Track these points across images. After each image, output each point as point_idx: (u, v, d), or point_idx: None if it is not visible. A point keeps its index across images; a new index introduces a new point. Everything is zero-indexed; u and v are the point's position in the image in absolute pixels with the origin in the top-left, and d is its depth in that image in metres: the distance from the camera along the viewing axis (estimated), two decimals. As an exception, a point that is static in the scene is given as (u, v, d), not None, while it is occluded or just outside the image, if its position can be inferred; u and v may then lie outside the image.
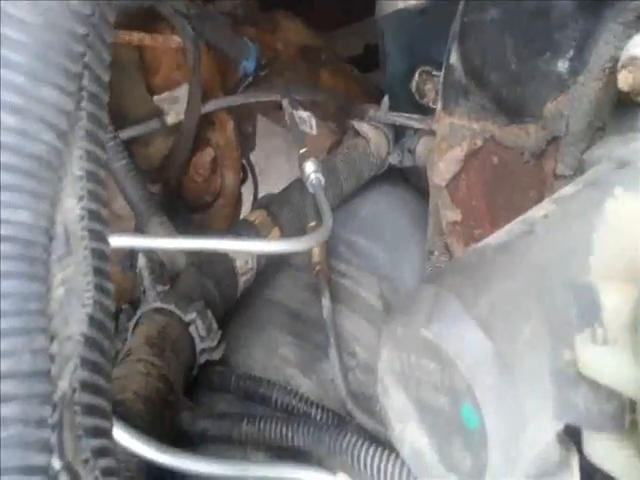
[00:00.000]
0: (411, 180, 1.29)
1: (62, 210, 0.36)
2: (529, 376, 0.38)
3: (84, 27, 0.37)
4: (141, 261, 0.82)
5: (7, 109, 0.34)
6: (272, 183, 1.47)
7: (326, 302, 0.89)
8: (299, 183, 1.03)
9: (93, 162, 0.38)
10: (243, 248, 0.85)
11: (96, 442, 0.34)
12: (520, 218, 0.46)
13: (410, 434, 0.41)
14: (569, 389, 0.39)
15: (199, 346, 0.78)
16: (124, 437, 0.59)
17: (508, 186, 0.76)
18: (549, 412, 0.39)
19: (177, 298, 0.79)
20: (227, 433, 0.69)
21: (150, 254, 0.84)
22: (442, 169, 0.84)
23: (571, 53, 0.65)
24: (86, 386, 0.34)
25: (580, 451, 0.42)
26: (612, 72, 0.61)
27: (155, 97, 1.08)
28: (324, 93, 1.38)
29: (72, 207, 0.36)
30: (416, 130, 1.19)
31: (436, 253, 0.92)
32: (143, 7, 1.02)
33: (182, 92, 1.07)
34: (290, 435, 0.68)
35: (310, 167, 0.98)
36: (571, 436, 0.42)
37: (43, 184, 0.35)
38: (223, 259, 0.89)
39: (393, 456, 0.64)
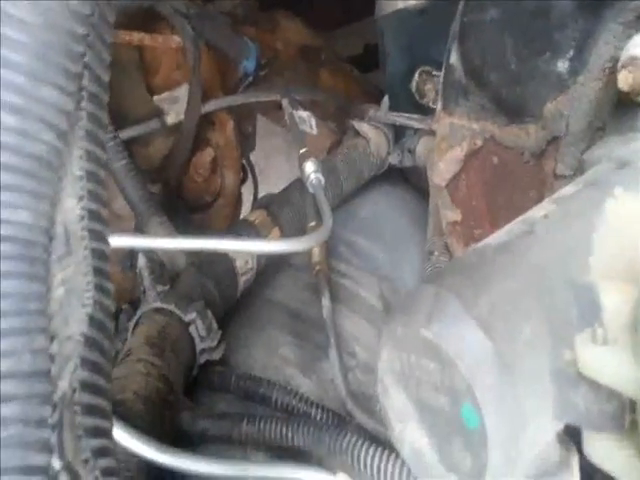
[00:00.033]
0: (411, 180, 1.29)
1: (62, 210, 0.36)
2: (529, 376, 0.38)
3: (84, 27, 0.37)
4: (141, 261, 0.82)
5: (7, 109, 0.34)
6: (272, 183, 1.47)
7: (326, 302, 0.89)
8: (299, 183, 1.03)
9: (93, 162, 0.38)
10: (243, 248, 0.85)
11: (96, 442, 0.34)
12: (520, 218, 0.46)
13: (410, 434, 0.41)
14: (569, 389, 0.39)
15: (199, 346, 0.78)
16: (124, 437, 0.59)
17: (508, 186, 0.76)
18: (549, 412, 0.39)
19: (177, 298, 0.79)
20: (227, 433, 0.69)
21: (150, 254, 0.84)
22: (442, 169, 0.83)
23: (571, 53, 0.65)
24: (86, 386, 0.34)
25: (580, 451, 0.42)
26: (612, 72, 0.61)
27: (155, 97, 1.08)
28: (324, 93, 1.38)
29: (72, 207, 0.36)
30: (416, 130, 1.19)
31: (436, 253, 0.92)
32: (143, 7, 1.02)
33: (182, 92, 1.07)
34: (290, 435, 0.68)
35: (310, 167, 0.98)
36: (571, 436, 0.42)
37: (43, 184, 0.35)
38: (223, 259, 0.89)
39: (393, 456, 0.64)
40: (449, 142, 0.81)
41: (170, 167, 1.10)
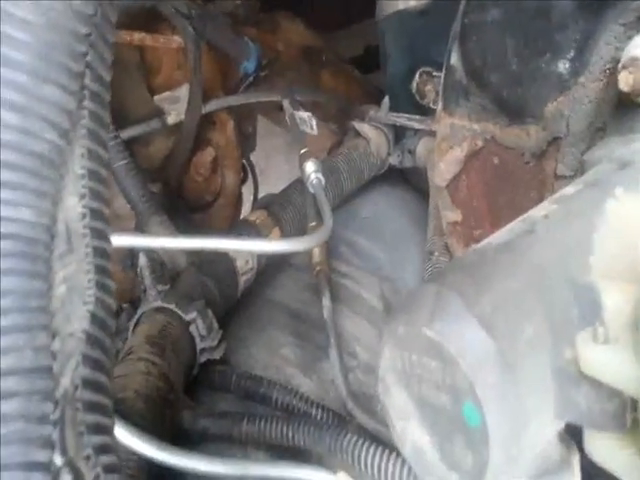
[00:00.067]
0: (411, 181, 1.29)
1: (64, 208, 0.36)
2: (530, 375, 0.38)
3: (86, 27, 0.37)
4: (142, 260, 0.82)
5: (9, 107, 0.34)
6: (272, 183, 1.48)
7: (327, 302, 0.89)
8: (299, 183, 1.03)
9: (95, 161, 0.38)
10: (244, 247, 0.85)
11: (98, 439, 0.34)
12: (521, 218, 0.46)
13: (411, 432, 0.41)
14: (570, 388, 0.39)
15: (200, 345, 0.78)
16: (125, 435, 0.59)
17: (509, 187, 0.76)
18: (550, 411, 0.39)
19: (178, 297, 0.79)
20: (227, 432, 0.70)
21: (151, 253, 0.84)
22: (442, 169, 0.84)
23: (572, 54, 0.65)
24: (88, 383, 0.34)
25: (581, 450, 0.42)
26: (613, 73, 0.61)
27: (156, 97, 1.08)
28: (325, 94, 1.38)
29: (73, 205, 0.36)
30: (416, 131, 1.20)
31: (436, 253, 0.92)
32: (144, 7, 1.02)
33: (183, 92, 1.08)
34: (291, 434, 0.68)
35: (311, 167, 0.98)
36: (572, 435, 0.42)
37: (45, 182, 0.35)
38: (223, 259, 0.89)
39: (394, 456, 0.64)
40: (450, 142, 0.81)
41: (171, 167, 1.10)
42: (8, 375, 0.32)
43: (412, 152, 1.20)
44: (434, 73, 1.15)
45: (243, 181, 1.35)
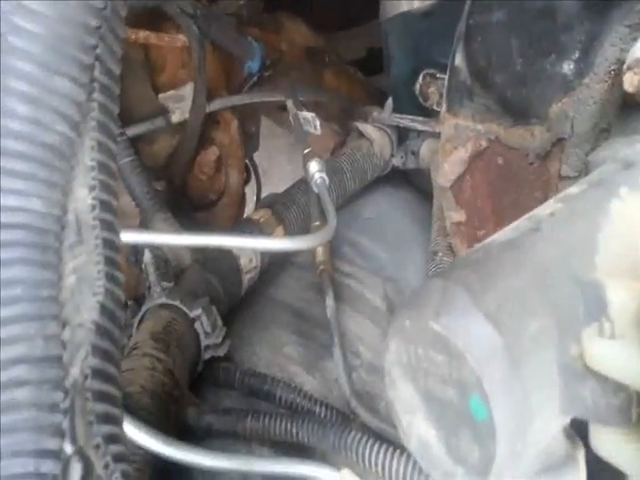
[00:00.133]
0: (413, 182, 1.30)
1: (74, 199, 0.36)
2: (536, 370, 0.38)
3: (96, 19, 0.37)
4: (146, 257, 0.82)
5: (20, 98, 0.34)
6: (274, 184, 1.48)
7: (330, 301, 0.89)
8: (303, 183, 1.04)
9: (104, 153, 0.38)
10: (248, 245, 0.86)
11: (107, 428, 0.34)
12: (526, 216, 0.46)
13: (417, 426, 0.41)
14: (576, 383, 0.39)
15: (204, 342, 0.78)
16: (131, 430, 0.59)
17: (513, 187, 0.76)
18: (556, 406, 0.39)
19: (182, 294, 0.79)
20: (232, 428, 0.70)
21: (155, 250, 0.84)
22: (447, 170, 0.84)
23: (577, 55, 0.66)
24: (97, 373, 0.34)
25: (586, 445, 0.42)
26: (618, 74, 0.61)
27: (160, 95, 1.08)
28: (328, 94, 1.38)
29: (83, 197, 0.37)
30: (419, 132, 1.20)
31: (440, 254, 0.92)
32: (149, 6, 1.02)
33: (187, 91, 1.08)
34: (295, 431, 0.68)
35: (314, 167, 0.98)
36: (577, 430, 0.42)
37: (56, 173, 0.35)
38: (227, 257, 0.90)
39: (398, 453, 0.64)
40: (454, 143, 0.81)
41: (175, 165, 1.10)
42: (20, 363, 0.32)
43: (415, 153, 1.20)
44: (438, 75, 1.15)
45: (246, 181, 1.35)
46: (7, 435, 0.31)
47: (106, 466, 0.33)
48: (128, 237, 0.78)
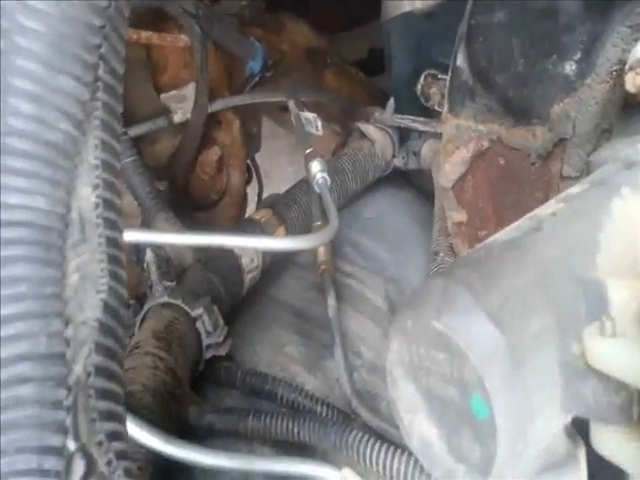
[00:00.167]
0: (414, 183, 1.30)
1: (77, 198, 0.36)
2: (538, 369, 0.38)
3: (100, 19, 0.37)
4: (149, 256, 0.83)
5: (25, 97, 0.34)
6: (276, 185, 1.48)
7: (331, 301, 0.89)
8: (304, 183, 1.04)
9: (108, 152, 0.38)
10: (250, 245, 0.86)
11: (110, 426, 0.34)
12: (528, 215, 0.46)
13: (419, 425, 0.41)
14: (577, 381, 0.39)
15: (205, 341, 0.78)
16: (133, 428, 0.59)
17: (514, 187, 0.76)
18: (557, 405, 0.39)
19: (184, 293, 0.79)
20: (233, 428, 0.70)
21: (157, 249, 0.85)
22: (448, 170, 0.84)
23: (578, 55, 0.66)
24: (100, 371, 0.35)
25: (587, 444, 0.42)
26: (619, 74, 0.61)
27: (162, 95, 1.08)
28: (329, 95, 1.38)
29: (87, 195, 0.37)
30: (421, 133, 1.20)
31: (441, 254, 0.92)
32: (152, 6, 1.02)
33: (189, 91, 1.08)
34: (296, 430, 0.68)
35: (316, 167, 0.98)
36: (578, 429, 0.43)
37: (59, 171, 0.35)
38: (229, 256, 0.90)
39: (399, 452, 0.64)
40: (455, 143, 0.82)
41: (177, 165, 1.10)
42: (23, 360, 0.32)
43: (417, 154, 1.20)
44: (439, 76, 1.16)
45: (247, 181, 1.35)
46: (10, 432, 0.31)
47: (109, 463, 0.33)
48: (130, 236, 0.78)
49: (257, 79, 1.26)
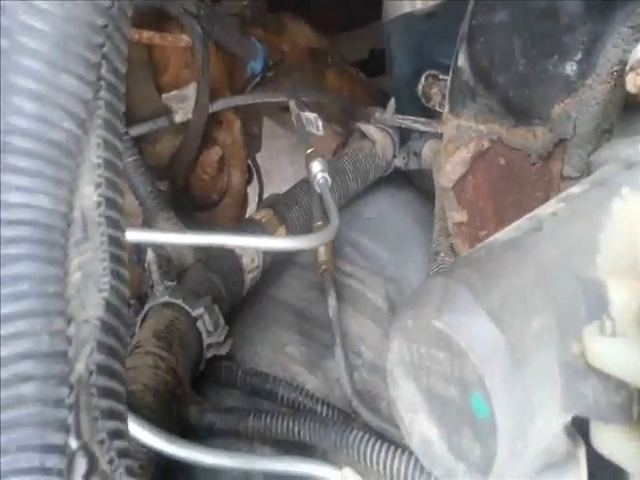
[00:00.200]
0: (415, 183, 1.30)
1: (80, 196, 0.37)
2: (538, 368, 0.38)
3: (103, 18, 0.37)
4: (150, 256, 0.83)
5: (28, 96, 0.34)
6: (276, 185, 1.48)
7: (332, 301, 0.89)
8: (305, 183, 1.04)
9: (110, 151, 0.38)
10: (250, 244, 0.86)
11: (111, 424, 0.34)
12: (528, 215, 0.46)
13: (419, 424, 0.42)
14: (578, 381, 0.39)
15: (206, 341, 0.78)
16: (134, 427, 0.59)
17: (515, 187, 0.76)
18: (557, 404, 0.39)
19: (185, 293, 0.79)
20: (234, 427, 0.70)
21: (158, 249, 0.85)
22: (449, 170, 0.84)
23: (579, 56, 0.66)
24: (102, 369, 0.35)
25: (587, 443, 0.42)
26: (620, 75, 0.61)
27: (163, 95, 1.08)
28: (330, 95, 1.38)
29: (89, 194, 0.37)
30: (422, 133, 1.20)
31: (442, 254, 0.92)
32: (153, 6, 1.02)
33: (190, 91, 1.08)
34: (297, 430, 0.68)
35: (317, 167, 0.98)
36: (578, 428, 0.43)
37: (62, 170, 0.35)
38: (230, 256, 0.90)
39: (399, 452, 0.64)
40: (456, 144, 0.82)
41: (178, 165, 1.10)
42: (25, 359, 0.32)
43: (417, 154, 1.21)
44: (440, 76, 1.16)
45: (248, 182, 1.35)
46: (13, 430, 0.31)
47: (110, 461, 0.33)
48: (131, 236, 0.78)
49: (258, 79, 1.27)
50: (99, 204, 0.37)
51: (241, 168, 1.22)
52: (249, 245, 0.87)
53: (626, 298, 0.40)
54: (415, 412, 0.42)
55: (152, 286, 0.81)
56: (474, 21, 0.77)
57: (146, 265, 0.83)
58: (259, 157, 1.47)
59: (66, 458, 0.32)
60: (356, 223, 1.12)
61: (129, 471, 0.34)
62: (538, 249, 0.42)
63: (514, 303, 0.39)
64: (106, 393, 0.34)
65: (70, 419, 0.32)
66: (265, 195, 1.44)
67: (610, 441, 0.40)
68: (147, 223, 0.95)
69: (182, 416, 0.69)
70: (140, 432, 0.59)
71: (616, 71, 0.63)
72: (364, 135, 1.20)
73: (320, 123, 1.09)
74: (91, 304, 0.35)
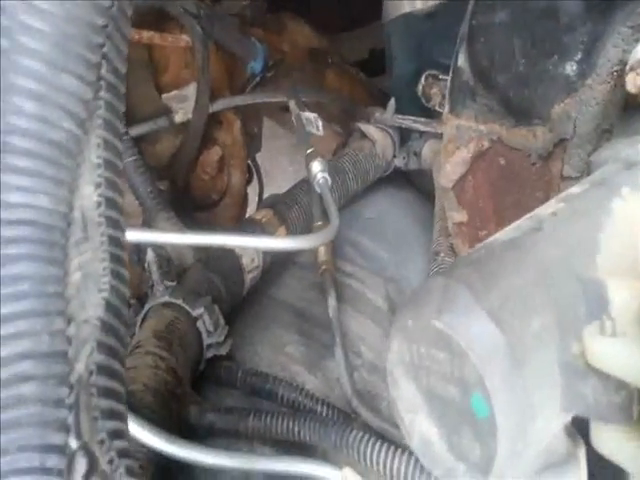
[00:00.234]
0: (415, 183, 1.30)
1: (80, 196, 0.37)
2: (538, 368, 0.38)
3: (103, 18, 0.37)
4: (150, 256, 0.83)
5: (28, 96, 0.34)
6: (276, 185, 1.48)
7: (332, 301, 0.89)
8: (305, 183, 1.04)
9: (110, 151, 0.38)
10: (251, 244, 0.86)
11: (111, 424, 0.34)
12: (528, 215, 0.47)
13: (419, 424, 0.42)
14: (578, 381, 0.39)
15: (206, 341, 0.78)
16: (134, 427, 0.59)
17: (515, 187, 0.76)
18: (557, 404, 0.39)
19: (185, 293, 0.79)
20: (234, 427, 0.70)
21: (158, 249, 0.85)
22: (449, 170, 0.84)
23: (579, 56, 0.66)
24: (102, 369, 0.35)
25: (587, 444, 0.42)
26: (620, 75, 0.62)
27: (164, 95, 1.09)
28: (330, 95, 1.38)
29: (89, 194, 0.37)
30: (422, 133, 1.20)
31: (442, 254, 0.92)
32: (154, 6, 1.02)
33: (190, 91, 1.08)
34: (297, 430, 0.68)
35: (317, 167, 0.98)
36: (578, 428, 0.43)
37: (62, 170, 0.35)
38: (230, 256, 0.90)
39: (399, 452, 0.64)
40: (456, 143, 0.82)
41: (178, 165, 1.10)
42: (25, 359, 0.32)
43: (417, 154, 1.21)
44: (440, 76, 1.16)
45: (248, 182, 1.35)
46: (13, 430, 0.31)
47: (110, 461, 0.33)
48: (131, 236, 0.78)
49: (258, 79, 1.27)
50: (99, 204, 0.37)
51: (241, 168, 1.22)
52: (249, 245, 0.87)
53: (626, 298, 0.40)
54: (415, 412, 0.42)
55: (152, 286, 0.81)
56: (474, 21, 0.77)
57: (146, 265, 0.83)
58: (259, 157, 1.47)
59: (66, 458, 0.32)
60: (356, 223, 1.12)
61: (129, 471, 0.34)
62: (538, 249, 0.42)
63: (514, 303, 0.39)
64: (106, 393, 0.34)
65: (70, 419, 0.32)
66: (265, 195, 1.44)
67: (610, 441, 0.40)
68: (147, 223, 0.95)
69: (182, 416, 0.69)
70: (140, 432, 0.59)
71: (616, 71, 0.63)
72: (364, 135, 1.20)
73: (320, 123, 1.09)
74: (91, 304, 0.35)
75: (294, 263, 1.03)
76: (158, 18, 1.05)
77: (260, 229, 0.95)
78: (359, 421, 0.75)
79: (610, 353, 0.38)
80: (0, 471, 0.31)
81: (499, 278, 0.40)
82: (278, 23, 1.43)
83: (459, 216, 0.85)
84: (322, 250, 0.95)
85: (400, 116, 1.21)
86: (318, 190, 0.98)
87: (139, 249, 0.90)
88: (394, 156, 1.21)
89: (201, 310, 0.78)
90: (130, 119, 1.02)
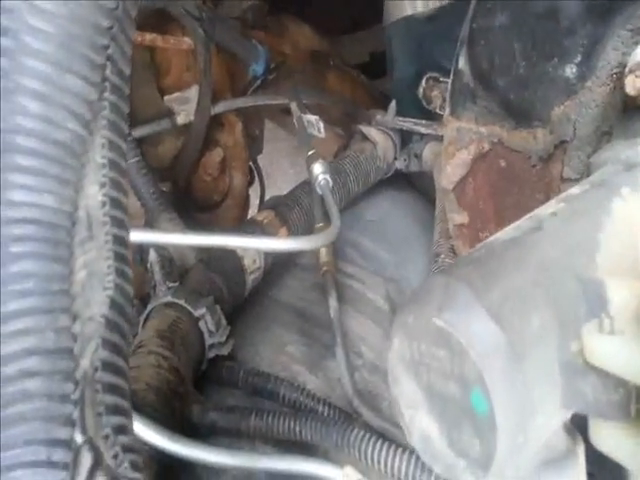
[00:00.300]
0: (416, 185, 1.30)
1: (84, 196, 0.37)
2: (538, 366, 0.39)
3: (108, 20, 0.38)
4: (152, 256, 0.83)
5: (33, 96, 0.35)
6: (277, 187, 1.49)
7: (333, 302, 0.90)
8: (306, 185, 1.04)
9: (115, 151, 0.39)
10: (252, 245, 0.86)
11: (116, 419, 0.34)
12: (528, 215, 0.47)
13: (420, 421, 0.42)
14: (577, 378, 0.39)
15: (208, 341, 0.78)
16: (137, 426, 0.59)
17: (515, 189, 0.76)
18: (557, 401, 0.40)
19: (187, 293, 0.80)
20: (235, 426, 0.70)
21: (160, 250, 0.85)
22: (449, 172, 0.84)
23: (579, 58, 0.66)
24: (107, 365, 0.35)
25: (586, 440, 0.43)
26: (619, 77, 0.62)
27: (166, 97, 1.09)
28: (332, 97, 1.39)
29: (94, 194, 0.37)
30: (423, 135, 1.20)
31: (442, 256, 0.92)
32: (155, 8, 1.03)
33: (192, 93, 1.08)
34: (298, 429, 0.69)
35: (318, 168, 0.99)
36: (577, 425, 0.43)
37: (67, 170, 0.36)
38: (231, 257, 0.90)
39: (400, 450, 0.65)
40: (456, 146, 0.82)
41: (179, 166, 1.11)
42: (31, 355, 0.32)
43: (418, 156, 1.21)
44: (441, 79, 1.16)
45: (250, 183, 1.35)
46: (19, 424, 0.32)
47: (115, 456, 0.34)
48: (134, 236, 0.78)
49: (259, 81, 1.27)
50: (104, 204, 0.37)
51: (243, 170, 1.22)
52: (251, 246, 0.87)
53: (626, 298, 0.40)
54: (415, 409, 0.42)
55: (154, 286, 0.81)
56: (474, 24, 0.77)
57: (149, 265, 0.83)
58: (260, 159, 1.47)
59: (72, 452, 0.32)
60: (357, 224, 1.12)
61: (133, 466, 0.34)
62: (538, 248, 0.43)
63: (514, 301, 0.39)
64: (111, 389, 0.35)
65: (75, 414, 0.33)
66: (266, 196, 1.44)
67: (609, 438, 0.40)
68: (149, 224, 0.95)
69: (184, 415, 0.70)
70: (143, 430, 0.60)
71: (615, 74, 0.63)
72: (365, 137, 1.21)
73: (321, 125, 1.09)
74: (96, 302, 0.36)
75: (295, 264, 1.03)
76: (160, 20, 1.06)
77: (261, 230, 0.95)
78: (360, 421, 0.75)
79: (608, 351, 0.38)
80: (8, 464, 0.31)
81: (499, 277, 0.41)
82: (279, 25, 1.44)
83: (460, 218, 0.86)
84: (323, 251, 0.96)
85: (401, 118, 1.21)
86: (319, 192, 0.99)
87: (142, 249, 0.91)
88: (395, 158, 1.21)
89: (203, 310, 0.78)
90: (132, 121, 1.03)
